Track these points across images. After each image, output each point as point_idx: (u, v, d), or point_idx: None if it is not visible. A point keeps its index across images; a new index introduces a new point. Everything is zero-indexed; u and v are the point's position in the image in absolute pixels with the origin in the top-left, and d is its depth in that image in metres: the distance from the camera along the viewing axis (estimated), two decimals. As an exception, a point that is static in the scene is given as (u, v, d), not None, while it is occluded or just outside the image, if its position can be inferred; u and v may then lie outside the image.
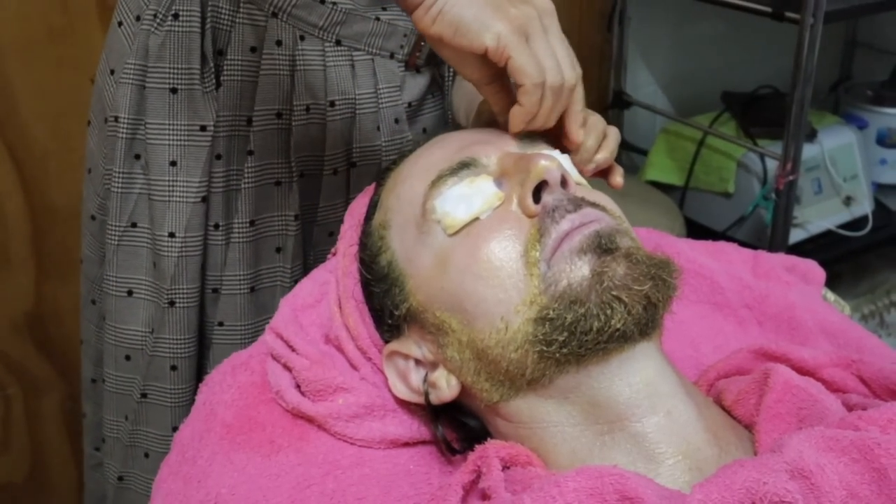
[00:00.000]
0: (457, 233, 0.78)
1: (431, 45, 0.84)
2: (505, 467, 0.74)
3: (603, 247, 0.74)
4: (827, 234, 2.20)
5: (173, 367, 1.17)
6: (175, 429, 1.19)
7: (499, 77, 0.85)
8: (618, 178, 0.94)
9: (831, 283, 1.10)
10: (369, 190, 0.94)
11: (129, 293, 1.18)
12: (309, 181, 1.17)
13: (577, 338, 0.72)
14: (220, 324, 1.18)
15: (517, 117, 0.82)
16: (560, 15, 0.83)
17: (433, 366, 0.81)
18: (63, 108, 1.73)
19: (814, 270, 1.08)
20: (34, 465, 1.96)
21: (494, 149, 0.83)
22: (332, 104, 1.13)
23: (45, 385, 1.91)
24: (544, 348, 0.73)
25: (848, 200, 2.23)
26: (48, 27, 1.68)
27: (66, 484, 2.01)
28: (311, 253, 1.21)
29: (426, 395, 0.81)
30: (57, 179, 1.78)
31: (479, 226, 0.77)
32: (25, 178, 1.75)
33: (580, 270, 0.73)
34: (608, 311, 0.71)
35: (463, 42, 0.79)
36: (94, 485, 1.36)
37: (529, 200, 0.77)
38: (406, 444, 0.84)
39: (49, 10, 1.68)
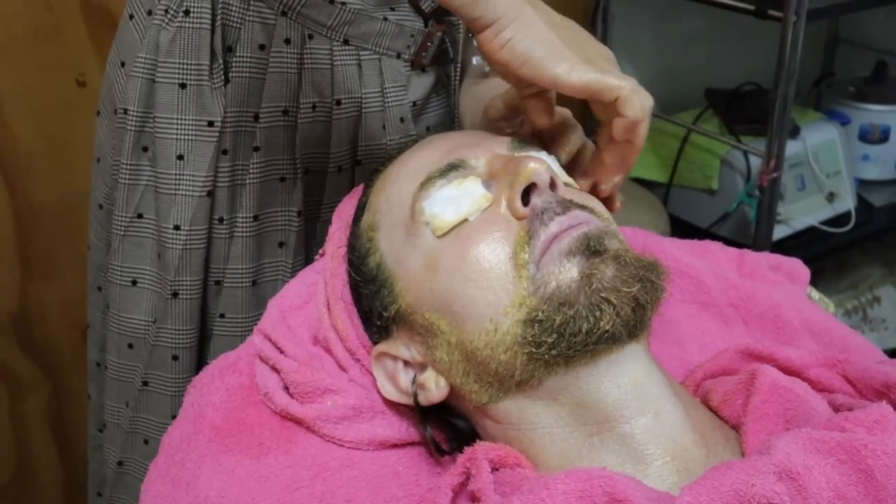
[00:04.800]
0: (445, 234, 0.78)
1: (489, 62, 0.83)
2: (494, 469, 0.74)
3: (591, 249, 0.74)
4: (810, 231, 2.20)
5: (175, 357, 1.18)
6: (175, 417, 1.20)
7: (544, 91, 0.85)
8: (616, 203, 0.92)
9: (815, 279, 1.10)
10: (357, 191, 0.93)
11: (134, 283, 1.19)
12: (314, 178, 1.17)
13: (565, 339, 0.72)
14: (222, 315, 1.19)
15: (619, 126, 0.81)
16: (543, 11, 0.83)
17: (422, 367, 0.81)
18: (48, 107, 1.72)
19: (798, 269, 1.08)
20: (19, 466, 1.95)
21: (483, 150, 0.83)
22: (339, 103, 1.13)
23: (30, 385, 1.90)
24: (533, 350, 0.73)
25: (831, 197, 2.24)
26: (33, 27, 1.67)
27: (51, 484, 2.00)
28: (313, 249, 1.22)
29: (415, 396, 0.81)
30: (41, 179, 1.76)
31: (467, 228, 0.78)
32: (10, 179, 1.74)
33: (569, 272, 0.73)
34: (597, 313, 0.72)
35: (531, 74, 0.79)
36: (96, 465, 1.38)
37: (518, 203, 0.77)
38: (395, 446, 0.84)
39: (33, 9, 1.67)
